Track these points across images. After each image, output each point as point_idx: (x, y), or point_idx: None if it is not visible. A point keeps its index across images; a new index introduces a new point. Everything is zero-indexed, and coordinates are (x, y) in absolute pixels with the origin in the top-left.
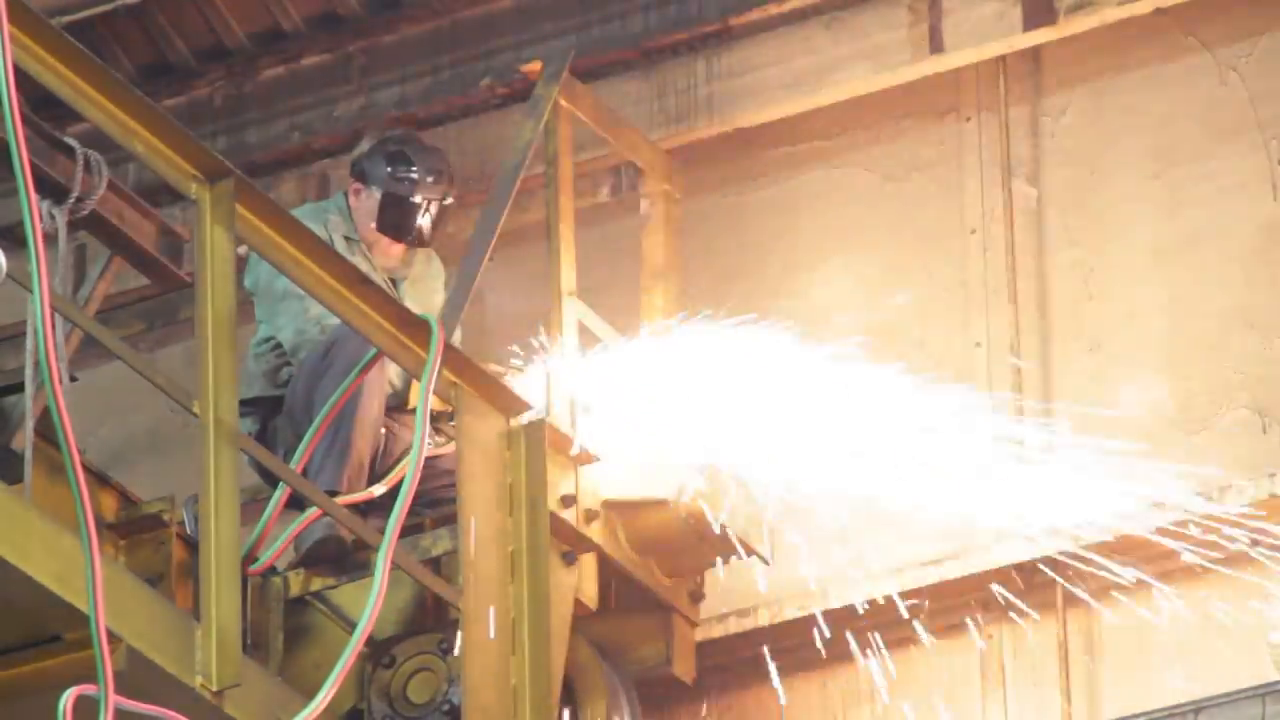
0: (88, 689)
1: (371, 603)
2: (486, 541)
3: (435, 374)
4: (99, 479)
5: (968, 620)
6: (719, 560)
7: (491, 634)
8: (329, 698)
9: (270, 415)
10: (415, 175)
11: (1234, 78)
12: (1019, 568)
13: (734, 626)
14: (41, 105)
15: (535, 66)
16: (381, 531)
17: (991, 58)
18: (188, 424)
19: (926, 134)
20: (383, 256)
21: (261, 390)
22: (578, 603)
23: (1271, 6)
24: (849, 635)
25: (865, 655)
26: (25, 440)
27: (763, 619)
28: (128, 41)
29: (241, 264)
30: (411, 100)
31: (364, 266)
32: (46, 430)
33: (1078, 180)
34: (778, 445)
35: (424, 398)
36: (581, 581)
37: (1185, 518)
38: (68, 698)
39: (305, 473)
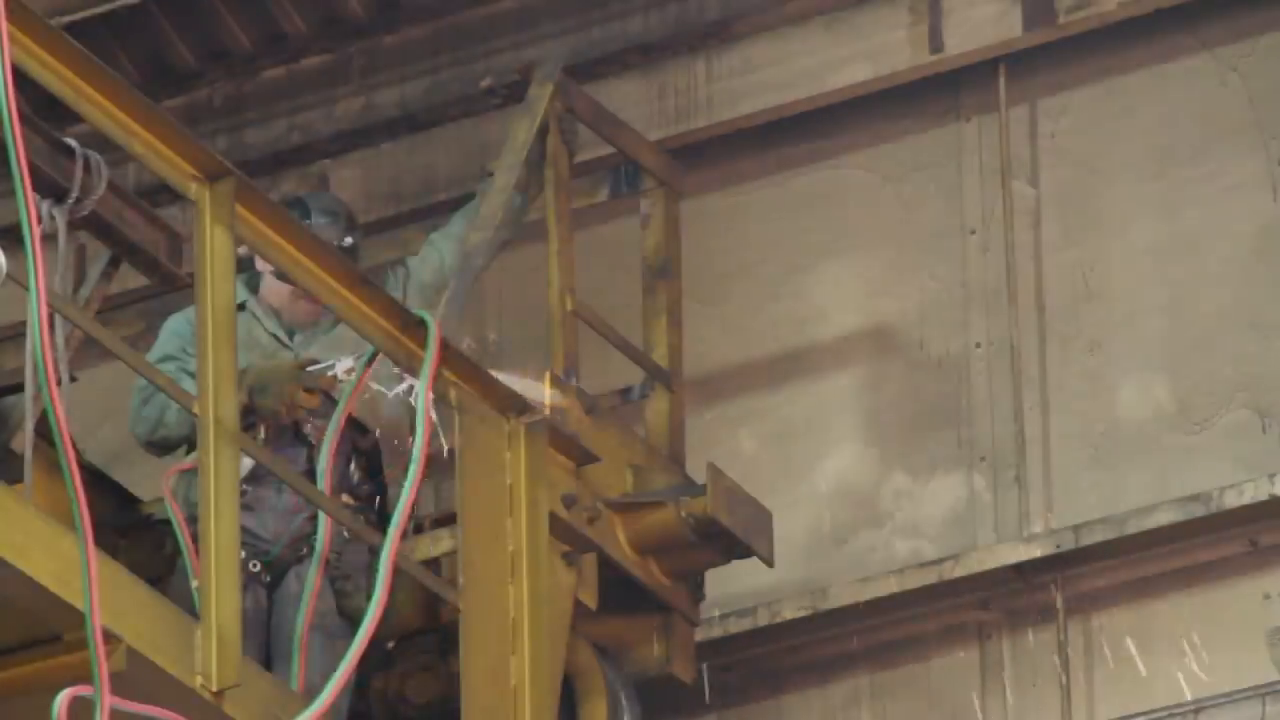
0: (83, 690)
1: (374, 604)
2: (486, 541)
3: (433, 373)
4: (99, 478)
5: (967, 620)
6: (719, 560)
7: (491, 634)
8: (330, 698)
9: None
10: (310, 221)
11: (1234, 78)
12: (1019, 568)
13: (734, 626)
14: (41, 105)
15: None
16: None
17: (991, 58)
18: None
19: (926, 134)
20: (290, 312)
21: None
22: (578, 603)
23: (1271, 6)
24: (848, 635)
25: (865, 656)
26: (25, 440)
27: (762, 619)
28: (128, 41)
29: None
30: (411, 100)
31: (257, 331)
32: (46, 430)
33: (1078, 180)
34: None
35: (423, 398)
36: (581, 581)
37: (1185, 518)
38: (62, 699)
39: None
